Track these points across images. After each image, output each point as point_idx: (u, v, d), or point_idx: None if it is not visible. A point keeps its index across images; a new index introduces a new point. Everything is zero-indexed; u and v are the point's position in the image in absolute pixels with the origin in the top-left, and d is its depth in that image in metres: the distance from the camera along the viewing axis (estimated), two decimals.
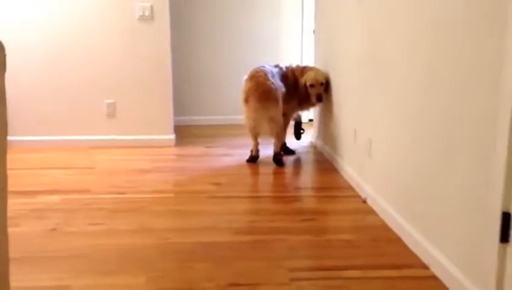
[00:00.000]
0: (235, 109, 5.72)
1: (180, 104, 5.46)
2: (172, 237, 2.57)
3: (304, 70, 4.18)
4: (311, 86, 4.00)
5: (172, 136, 4.71)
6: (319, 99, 4.01)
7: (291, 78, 4.13)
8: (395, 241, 2.50)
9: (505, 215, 1.64)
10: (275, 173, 3.74)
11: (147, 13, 4.46)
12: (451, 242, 2.05)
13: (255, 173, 3.77)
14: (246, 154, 4.13)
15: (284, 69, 4.18)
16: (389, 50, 2.76)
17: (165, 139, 4.67)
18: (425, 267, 2.22)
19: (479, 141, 1.82)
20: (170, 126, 4.71)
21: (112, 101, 4.61)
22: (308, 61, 5.28)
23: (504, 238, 1.65)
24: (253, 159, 4.06)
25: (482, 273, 1.79)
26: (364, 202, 3.06)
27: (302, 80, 4.07)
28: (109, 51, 4.54)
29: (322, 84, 4.02)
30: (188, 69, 5.61)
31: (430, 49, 2.24)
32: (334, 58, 4.07)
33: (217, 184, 3.48)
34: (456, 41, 2.00)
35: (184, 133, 5.08)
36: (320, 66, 4.34)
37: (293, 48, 5.73)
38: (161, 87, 4.62)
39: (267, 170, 3.86)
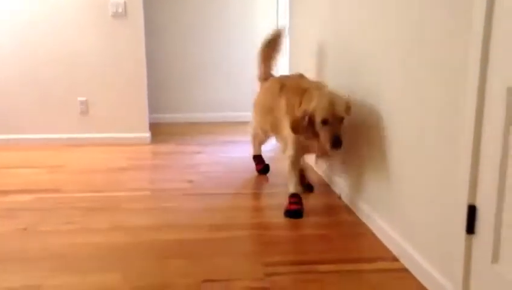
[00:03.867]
0: (211, 107, 5.77)
1: (155, 102, 5.45)
2: (147, 234, 2.57)
3: (303, 88, 2.82)
4: (324, 122, 2.59)
5: (148, 134, 4.70)
6: (337, 144, 2.56)
7: None
8: (368, 235, 2.56)
9: (471, 208, 1.70)
10: (250, 171, 3.77)
11: (120, 10, 4.44)
12: (421, 235, 2.11)
13: (229, 171, 3.79)
14: (219, 151, 4.16)
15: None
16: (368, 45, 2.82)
17: (140, 137, 4.65)
18: (396, 259, 2.29)
19: (447, 135, 1.88)
20: (145, 124, 4.69)
21: (84, 98, 4.57)
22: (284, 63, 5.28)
23: (470, 230, 1.71)
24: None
25: (450, 264, 1.85)
26: (339, 198, 3.11)
27: (304, 110, 2.64)
28: (82, 47, 4.50)
29: (341, 119, 2.61)
30: (163, 67, 5.60)
31: (403, 46, 2.30)
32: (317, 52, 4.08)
33: (192, 181, 3.49)
34: (427, 40, 2.06)
35: (160, 131, 5.07)
36: (294, 68, 4.31)
37: None
38: (135, 85, 4.60)
39: (241, 168, 3.88)
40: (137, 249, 2.40)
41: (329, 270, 2.18)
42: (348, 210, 2.92)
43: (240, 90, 5.70)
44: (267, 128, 3.24)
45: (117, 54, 4.53)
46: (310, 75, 3.35)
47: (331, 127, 2.56)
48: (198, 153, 4.36)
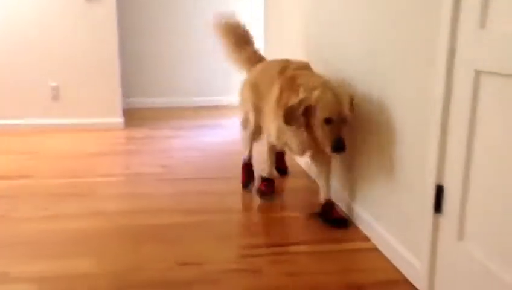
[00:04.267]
0: (185, 91, 5.74)
1: (129, 87, 5.39)
2: (121, 219, 2.57)
3: (295, 76, 2.52)
4: (328, 121, 2.24)
5: (121, 119, 4.65)
6: (340, 147, 2.23)
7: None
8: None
9: (438, 188, 1.75)
10: (224, 155, 3.78)
11: None
12: (390, 215, 2.17)
13: (204, 155, 3.79)
14: (193, 136, 4.14)
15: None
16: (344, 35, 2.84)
17: (113, 122, 4.61)
18: (367, 239, 2.34)
19: (416, 118, 1.92)
20: (118, 109, 4.64)
21: (56, 84, 4.50)
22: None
23: (437, 209, 1.77)
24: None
25: (418, 242, 1.91)
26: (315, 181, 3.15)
27: (302, 98, 2.29)
28: (54, 31, 4.41)
29: (344, 117, 2.27)
30: (136, 51, 5.53)
31: (373, 31, 2.33)
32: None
33: (166, 166, 3.48)
34: (396, 23, 2.09)
35: (133, 116, 5.03)
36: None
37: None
38: (108, 69, 4.54)
39: (215, 152, 3.89)
40: (112, 234, 2.40)
41: (302, 251, 2.22)
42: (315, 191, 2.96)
43: (213, 75, 5.68)
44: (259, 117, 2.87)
45: (89, 38, 4.46)
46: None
47: (335, 128, 2.22)
48: (172, 137, 4.35)
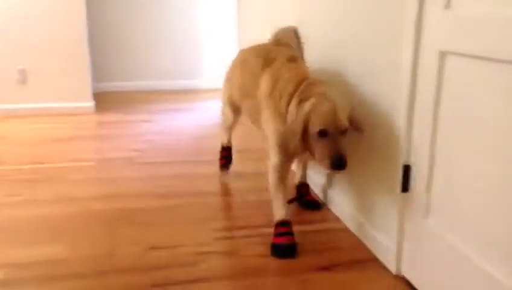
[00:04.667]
0: (157, 75, 5.68)
1: (101, 71, 5.31)
2: (94, 204, 2.55)
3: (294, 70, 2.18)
4: (322, 134, 1.91)
5: (91, 103, 4.59)
6: (339, 164, 1.88)
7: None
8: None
9: (405, 167, 1.79)
10: (198, 138, 3.77)
11: None
12: (358, 194, 2.21)
13: (177, 139, 3.78)
14: (166, 119, 4.11)
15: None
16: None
17: (83, 107, 4.54)
18: (337, 220, 2.39)
19: (384, 97, 1.95)
20: (88, 93, 4.57)
21: (22, 67, 4.40)
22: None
23: (404, 188, 1.81)
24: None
25: (386, 221, 1.96)
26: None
27: (298, 116, 1.97)
28: (20, 14, 4.30)
29: (344, 130, 1.93)
30: (108, 34, 5.44)
31: (339, 20, 2.34)
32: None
33: (138, 150, 3.46)
34: (363, 5, 2.11)
35: (106, 100, 4.97)
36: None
37: (224, 13, 5.66)
38: (77, 52, 4.45)
39: (189, 136, 3.88)
40: (84, 220, 2.39)
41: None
42: (293, 175, 2.99)
43: (187, 58, 5.63)
44: (245, 113, 2.59)
45: (57, 20, 4.36)
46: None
47: (332, 141, 1.89)
48: (145, 121, 4.31)
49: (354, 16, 2.19)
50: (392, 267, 1.92)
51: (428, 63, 1.64)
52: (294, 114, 1.99)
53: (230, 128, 2.93)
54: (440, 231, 1.64)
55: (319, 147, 1.92)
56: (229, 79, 2.69)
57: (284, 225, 2.12)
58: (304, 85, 2.05)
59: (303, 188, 2.59)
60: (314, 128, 1.91)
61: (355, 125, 1.99)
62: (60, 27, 4.37)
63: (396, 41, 1.81)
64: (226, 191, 2.82)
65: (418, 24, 1.67)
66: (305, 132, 1.94)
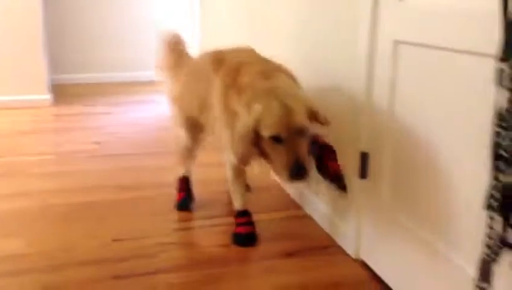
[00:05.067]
0: (116, 66, 5.58)
1: (59, 63, 5.18)
2: (52, 198, 2.50)
3: (238, 71, 1.91)
4: (275, 139, 1.68)
5: (48, 96, 4.47)
6: (299, 173, 1.65)
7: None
8: (275, 188, 2.67)
9: (363, 155, 1.83)
10: (159, 130, 3.74)
11: None
12: (320, 182, 2.24)
13: (137, 131, 3.73)
14: (127, 112, 4.05)
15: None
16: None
17: (40, 99, 4.42)
18: (300, 207, 2.42)
19: (343, 86, 1.98)
20: (45, 85, 4.45)
21: None
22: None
23: (363, 175, 1.85)
24: None
25: (345, 207, 2.00)
26: None
27: (245, 123, 1.73)
28: None
29: (302, 130, 1.68)
30: (66, 26, 5.30)
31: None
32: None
33: (99, 143, 3.41)
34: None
35: (64, 92, 4.85)
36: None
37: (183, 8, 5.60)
38: (32, 44, 4.32)
39: (149, 127, 3.84)
40: (43, 214, 2.34)
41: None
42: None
43: (146, 49, 5.55)
44: (208, 130, 2.22)
45: (12, 10, 4.21)
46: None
47: (288, 147, 1.64)
48: (105, 114, 4.24)
49: (311, 12, 2.21)
50: (351, 252, 1.96)
51: (383, 52, 1.68)
52: (241, 118, 1.76)
53: (190, 156, 2.45)
54: (396, 215, 1.69)
55: (274, 155, 1.68)
56: (178, 99, 2.34)
57: (243, 215, 2.14)
58: (248, 78, 1.83)
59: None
60: (266, 133, 1.67)
61: (318, 119, 1.75)
62: (15, 18, 4.23)
63: (353, 33, 1.84)
64: None
65: (374, 15, 1.71)
66: (257, 137, 1.70)
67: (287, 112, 1.65)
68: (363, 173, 1.85)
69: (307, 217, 2.33)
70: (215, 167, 2.92)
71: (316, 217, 2.28)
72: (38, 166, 2.97)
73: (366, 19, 1.73)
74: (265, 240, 2.10)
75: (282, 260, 1.97)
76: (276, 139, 1.66)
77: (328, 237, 2.13)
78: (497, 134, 1.10)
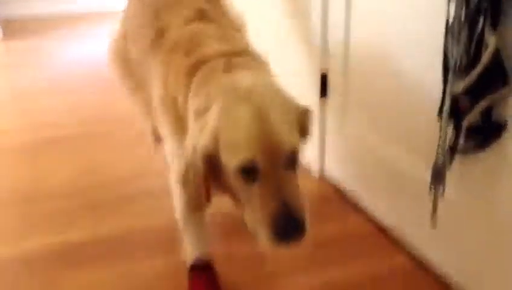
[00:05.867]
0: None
1: None
2: (13, 136, 2.46)
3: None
4: (247, 172, 1.00)
5: None
6: (288, 232, 0.98)
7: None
8: None
9: (323, 76, 1.88)
10: None
11: None
12: None
13: (93, 65, 3.61)
14: (82, 44, 3.91)
15: None
16: None
17: None
18: None
19: (300, 8, 1.98)
20: None
21: None
22: None
23: (323, 94, 1.90)
24: None
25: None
26: None
27: (193, 146, 1.07)
28: None
29: (291, 158, 1.02)
30: None
31: None
32: None
33: (54, 79, 3.30)
34: None
35: (12, 27, 4.61)
36: None
37: None
38: None
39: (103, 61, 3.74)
40: (4, 153, 2.31)
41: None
42: None
43: None
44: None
45: None
46: None
47: (269, 185, 1.00)
48: (58, 48, 4.08)
49: None
50: (315, 170, 2.02)
51: None
52: (190, 134, 1.13)
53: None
54: (356, 131, 1.76)
55: (246, 199, 1.04)
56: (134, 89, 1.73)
57: (196, 270, 1.34)
58: (202, 71, 1.19)
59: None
60: (231, 161, 1.02)
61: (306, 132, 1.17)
62: None
63: None
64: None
65: None
66: (216, 166, 1.05)
67: (267, 127, 1.00)
68: (324, 92, 1.89)
69: None
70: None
71: None
72: None
73: None
74: None
75: None
76: (248, 172, 1.01)
77: None
78: (447, 46, 1.14)
